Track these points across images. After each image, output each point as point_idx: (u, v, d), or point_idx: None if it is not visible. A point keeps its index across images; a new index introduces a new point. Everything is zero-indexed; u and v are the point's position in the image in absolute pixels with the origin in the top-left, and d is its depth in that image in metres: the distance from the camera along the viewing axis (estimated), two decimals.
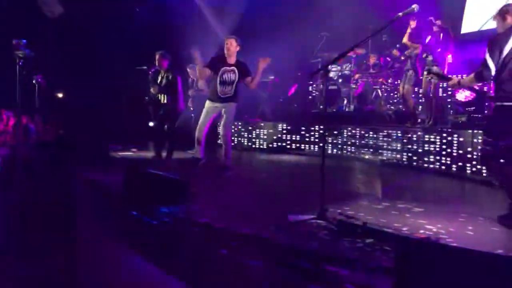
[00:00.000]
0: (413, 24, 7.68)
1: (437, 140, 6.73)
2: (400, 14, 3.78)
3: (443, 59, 7.40)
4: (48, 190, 4.66)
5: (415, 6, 3.74)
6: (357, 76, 9.67)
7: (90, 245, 3.82)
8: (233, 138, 10.09)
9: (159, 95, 7.44)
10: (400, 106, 9.20)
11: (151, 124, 9.45)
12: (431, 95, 7.60)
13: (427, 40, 7.54)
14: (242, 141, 9.91)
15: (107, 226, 3.97)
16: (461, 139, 6.36)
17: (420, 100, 8.82)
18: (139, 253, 3.21)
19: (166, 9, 9.94)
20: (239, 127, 9.97)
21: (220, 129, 6.53)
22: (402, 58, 8.26)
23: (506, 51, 3.81)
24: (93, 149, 7.13)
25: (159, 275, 2.93)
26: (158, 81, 7.40)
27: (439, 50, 7.37)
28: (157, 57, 7.38)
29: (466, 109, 7.76)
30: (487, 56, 3.87)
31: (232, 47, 6.13)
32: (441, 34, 7.40)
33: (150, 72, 7.58)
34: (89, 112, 9.23)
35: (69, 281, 2.79)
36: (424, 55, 7.62)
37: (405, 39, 7.93)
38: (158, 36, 9.39)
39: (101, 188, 5.22)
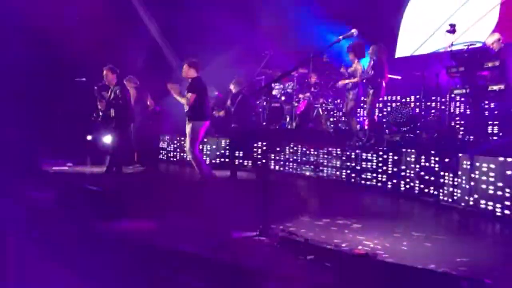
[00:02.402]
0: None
1: (374, 158, 7.02)
2: (341, 37, 3.94)
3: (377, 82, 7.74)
4: None
5: (354, 31, 3.91)
6: (300, 95, 9.90)
7: (21, 262, 3.57)
8: (174, 153, 9.96)
9: (108, 110, 7.24)
10: (340, 125, 9.51)
11: (89, 137, 9.13)
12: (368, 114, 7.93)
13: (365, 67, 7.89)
14: (185, 156, 9.76)
15: (39, 244, 3.74)
16: (395, 157, 6.67)
17: (360, 120, 9.20)
18: (75, 272, 3.04)
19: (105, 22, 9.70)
20: (182, 142, 9.83)
21: None
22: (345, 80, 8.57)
23: None
24: (24, 163, 6.74)
25: None
26: (107, 96, 7.22)
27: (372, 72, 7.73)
28: (105, 71, 7.19)
29: (400, 129, 8.17)
30: None
31: (183, 71, 6.54)
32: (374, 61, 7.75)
33: (96, 88, 7.36)
34: (20, 124, 8.73)
35: None
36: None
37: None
38: (98, 46, 9.11)
39: (32, 204, 4.92)
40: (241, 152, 8.95)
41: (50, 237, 3.84)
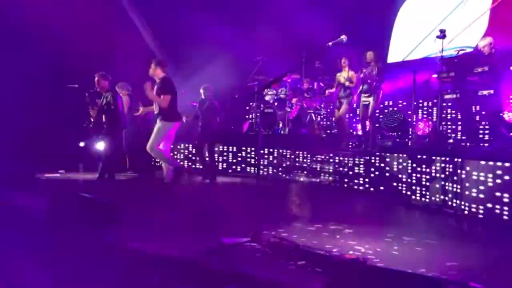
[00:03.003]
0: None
1: (366, 163, 7.06)
2: (330, 43, 3.97)
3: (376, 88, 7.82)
4: None
5: (343, 37, 3.95)
6: (293, 100, 9.94)
7: (10, 269, 3.55)
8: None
9: (100, 117, 7.25)
10: (334, 131, 9.55)
11: (81, 144, 9.09)
12: (367, 119, 7.99)
13: (361, 75, 7.95)
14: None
15: (29, 253, 3.72)
16: (387, 162, 6.71)
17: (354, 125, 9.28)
18: (66, 279, 3.03)
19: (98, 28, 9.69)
20: (179, 147, 9.83)
21: None
22: (332, 90, 8.64)
23: None
24: (15, 170, 6.71)
25: None
26: (99, 102, 7.21)
27: (369, 81, 7.80)
28: (96, 78, 7.19)
29: (391, 134, 8.22)
30: None
31: (151, 69, 6.49)
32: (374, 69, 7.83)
33: (87, 94, 7.35)
34: (12, 131, 8.68)
35: None
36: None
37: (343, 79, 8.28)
38: (90, 53, 9.11)
39: (23, 212, 4.89)
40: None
41: (41, 245, 3.82)
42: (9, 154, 7.63)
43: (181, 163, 6.56)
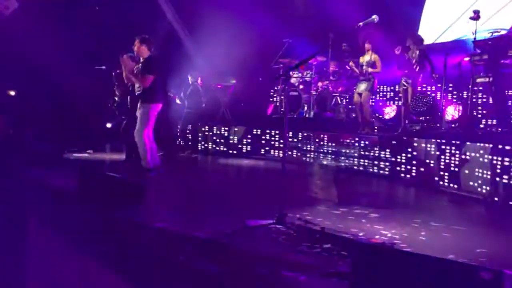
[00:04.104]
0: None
1: (392, 148, 6.93)
2: (361, 23, 3.86)
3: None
4: None
5: (375, 17, 3.83)
6: (318, 83, 9.82)
7: (40, 249, 3.66)
8: (188, 140, 9.99)
9: (125, 97, 7.25)
10: (354, 114, 9.42)
11: (108, 125, 9.24)
12: (406, 103, 7.85)
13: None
14: (202, 144, 9.83)
15: (59, 230, 3.82)
16: (415, 147, 6.58)
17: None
18: (93, 256, 3.10)
19: (126, 8, 9.73)
20: (200, 130, 9.88)
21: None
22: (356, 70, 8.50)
23: None
24: (45, 150, 6.86)
25: (113, 279, 2.84)
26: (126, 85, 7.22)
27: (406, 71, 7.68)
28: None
29: (420, 118, 8.04)
30: None
31: (135, 47, 6.11)
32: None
33: (113, 74, 7.35)
34: (42, 112, 8.89)
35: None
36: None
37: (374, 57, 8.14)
38: (118, 35, 9.17)
39: (53, 190, 5.01)
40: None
41: (71, 223, 3.92)
42: (38, 135, 7.82)
43: (157, 165, 6.15)
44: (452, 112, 8.20)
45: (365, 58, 8.18)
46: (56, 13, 9.18)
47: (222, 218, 4.07)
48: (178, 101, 9.63)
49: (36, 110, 8.96)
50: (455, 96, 8.76)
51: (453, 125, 7.81)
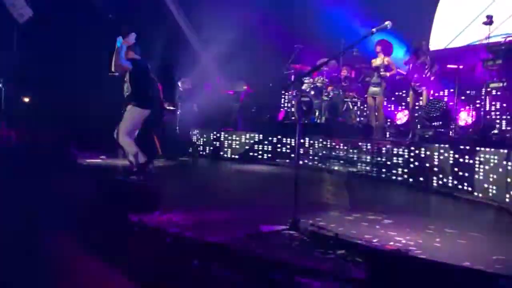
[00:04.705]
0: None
1: (405, 153, 6.89)
2: (374, 30, 3.85)
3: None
4: (7, 199, 4.48)
5: (388, 23, 3.82)
6: (329, 88, 9.81)
7: (56, 255, 3.68)
8: (204, 147, 10.02)
9: None
10: (367, 119, 9.38)
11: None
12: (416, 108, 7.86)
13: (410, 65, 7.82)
14: (214, 150, 9.86)
15: (75, 236, 3.84)
16: (428, 152, 6.53)
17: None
18: (108, 263, 3.12)
19: (140, 14, 9.83)
20: (211, 136, 9.91)
21: None
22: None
23: None
24: (59, 155, 6.92)
25: (128, 285, 2.85)
26: None
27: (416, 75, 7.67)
28: None
29: (433, 123, 7.98)
30: None
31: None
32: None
33: None
34: (56, 118, 8.98)
35: None
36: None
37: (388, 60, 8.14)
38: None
39: (67, 196, 5.06)
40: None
41: (85, 229, 3.95)
42: (51, 141, 7.90)
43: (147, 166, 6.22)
44: (465, 117, 8.14)
45: (377, 61, 8.18)
46: (71, 20, 9.29)
47: (235, 223, 4.07)
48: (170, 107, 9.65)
49: (49, 116, 9.06)
50: (469, 102, 8.68)
51: (467, 130, 7.75)
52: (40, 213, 4.06)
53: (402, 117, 9.63)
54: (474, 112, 7.96)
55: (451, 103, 8.16)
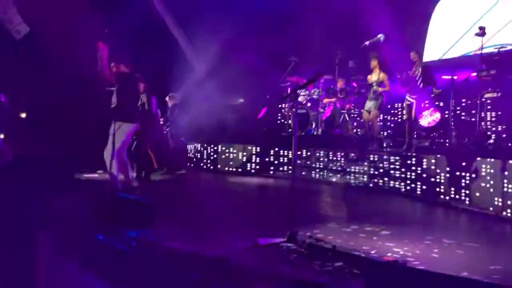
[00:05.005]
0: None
1: (402, 164, 6.91)
2: (367, 42, 3.91)
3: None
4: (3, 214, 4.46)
5: (380, 36, 3.88)
6: (325, 100, 9.87)
7: (51, 271, 3.67)
8: (200, 160, 10.03)
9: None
10: (362, 131, 9.41)
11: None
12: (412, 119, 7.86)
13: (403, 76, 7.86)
14: (212, 163, 9.86)
15: (71, 252, 3.83)
16: (424, 163, 6.55)
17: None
18: (105, 279, 3.10)
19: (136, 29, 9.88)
20: (208, 149, 9.93)
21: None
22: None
23: None
24: (57, 170, 6.92)
25: None
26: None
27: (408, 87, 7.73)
28: None
29: (430, 134, 8.03)
30: None
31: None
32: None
33: None
34: (53, 132, 8.98)
35: None
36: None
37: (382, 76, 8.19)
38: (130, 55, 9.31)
39: (64, 211, 5.04)
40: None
41: (82, 245, 3.93)
42: (48, 155, 7.89)
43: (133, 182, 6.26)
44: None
45: (372, 78, 8.22)
46: (68, 35, 9.32)
47: (233, 236, 4.06)
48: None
49: (46, 131, 9.06)
50: (463, 113, 8.73)
51: (464, 140, 7.78)
52: (36, 227, 4.05)
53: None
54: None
55: (446, 113, 8.21)
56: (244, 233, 4.18)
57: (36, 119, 9.85)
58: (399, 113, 9.80)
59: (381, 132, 9.33)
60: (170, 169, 8.97)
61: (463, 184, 5.88)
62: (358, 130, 9.87)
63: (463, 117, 8.60)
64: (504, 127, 7.53)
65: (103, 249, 3.75)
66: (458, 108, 8.57)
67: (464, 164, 5.90)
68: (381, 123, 9.53)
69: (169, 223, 4.50)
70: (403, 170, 6.90)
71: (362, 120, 9.82)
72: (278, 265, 3.31)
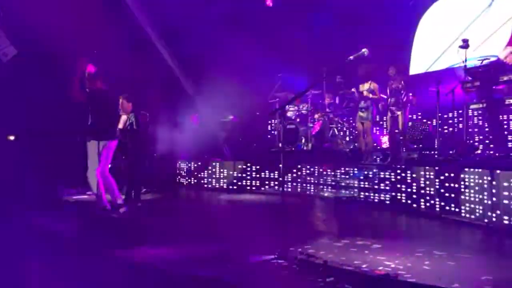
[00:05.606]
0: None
1: (392, 177, 6.94)
2: (351, 57, 3.96)
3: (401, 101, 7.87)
4: None
5: (365, 50, 3.93)
6: (316, 115, 9.94)
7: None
8: (191, 177, 9.98)
9: (125, 138, 7.29)
10: (356, 144, 9.47)
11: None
12: (396, 131, 7.97)
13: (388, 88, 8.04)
14: (202, 181, 9.83)
15: (59, 274, 3.76)
16: (414, 175, 6.59)
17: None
18: None
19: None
20: (198, 166, 9.90)
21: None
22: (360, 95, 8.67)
23: None
24: (44, 192, 6.85)
25: None
26: (123, 125, 7.27)
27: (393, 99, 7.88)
28: (121, 101, 7.18)
29: (418, 146, 8.10)
30: None
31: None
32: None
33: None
34: (40, 153, 8.88)
35: None
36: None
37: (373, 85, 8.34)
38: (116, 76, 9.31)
39: (52, 234, 4.97)
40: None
41: (71, 267, 3.87)
42: (36, 177, 7.79)
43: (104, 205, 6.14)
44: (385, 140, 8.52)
45: (365, 86, 8.39)
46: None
47: (224, 255, 4.02)
48: None
49: (33, 152, 8.96)
50: (450, 123, 8.83)
51: (451, 152, 7.87)
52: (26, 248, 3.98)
53: (387, 140, 9.75)
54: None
55: (433, 125, 8.31)
56: (236, 251, 4.14)
57: (25, 141, 9.74)
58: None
59: (374, 144, 9.41)
60: (160, 189, 8.92)
61: (452, 195, 5.92)
62: (349, 144, 9.91)
63: (449, 129, 8.71)
64: (490, 137, 7.62)
65: (92, 271, 3.69)
66: (445, 119, 8.68)
67: (452, 175, 5.94)
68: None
69: (159, 242, 4.45)
70: (393, 182, 6.92)
71: (356, 132, 9.90)
72: (269, 283, 3.28)
